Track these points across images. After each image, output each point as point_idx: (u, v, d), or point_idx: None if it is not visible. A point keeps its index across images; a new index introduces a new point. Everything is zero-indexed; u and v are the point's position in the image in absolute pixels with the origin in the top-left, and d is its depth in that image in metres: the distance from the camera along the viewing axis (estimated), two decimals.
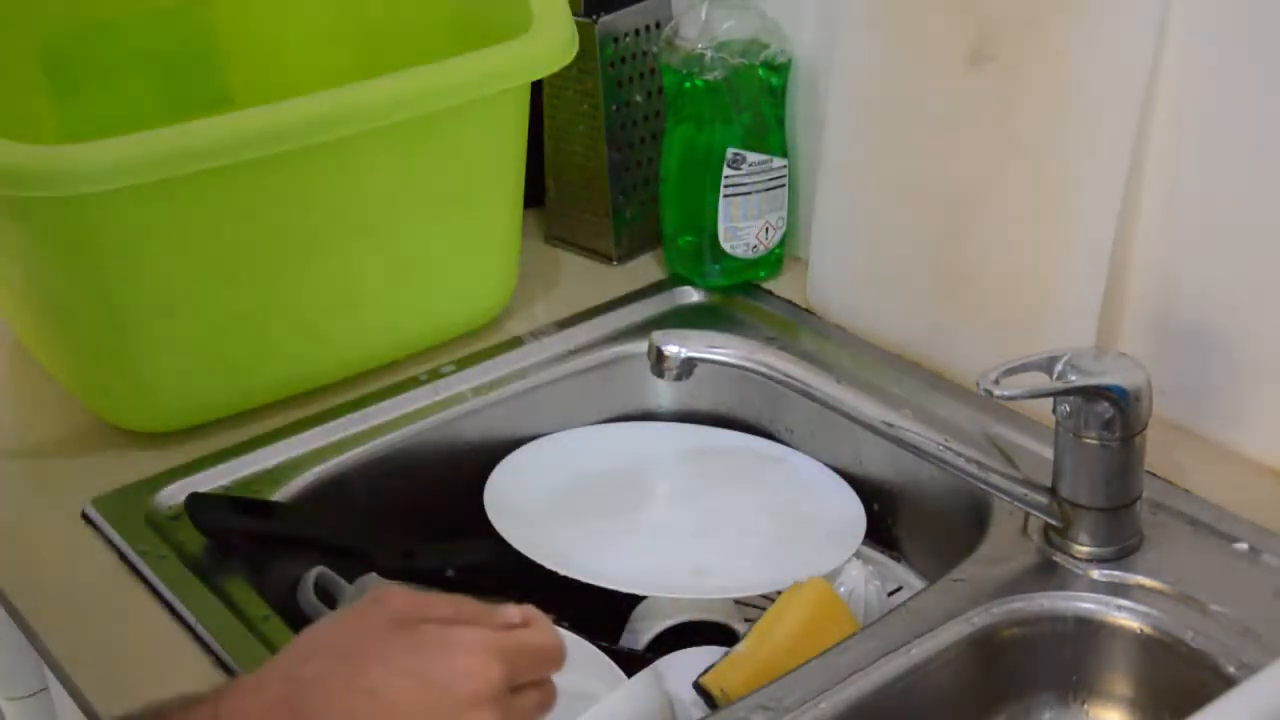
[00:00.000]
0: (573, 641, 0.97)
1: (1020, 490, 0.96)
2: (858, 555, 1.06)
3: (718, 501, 1.16)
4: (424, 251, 1.19)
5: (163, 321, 1.10)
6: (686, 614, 1.03)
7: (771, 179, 1.27)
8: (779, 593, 1.00)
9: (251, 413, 1.16)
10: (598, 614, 1.04)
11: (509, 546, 1.04)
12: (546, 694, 0.74)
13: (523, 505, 1.11)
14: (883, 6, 1.17)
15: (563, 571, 1.01)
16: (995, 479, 0.95)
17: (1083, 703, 0.96)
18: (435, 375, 1.20)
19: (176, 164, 1.03)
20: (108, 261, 1.07)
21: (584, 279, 1.34)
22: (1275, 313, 1.00)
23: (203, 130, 1.05)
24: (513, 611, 0.74)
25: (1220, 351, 1.03)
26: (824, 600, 0.97)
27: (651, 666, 0.96)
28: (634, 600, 1.05)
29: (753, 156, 1.25)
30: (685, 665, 0.97)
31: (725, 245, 1.27)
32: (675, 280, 1.32)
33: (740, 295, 1.29)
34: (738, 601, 1.09)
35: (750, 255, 1.29)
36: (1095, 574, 0.95)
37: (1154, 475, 1.00)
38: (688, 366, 0.93)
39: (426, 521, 1.13)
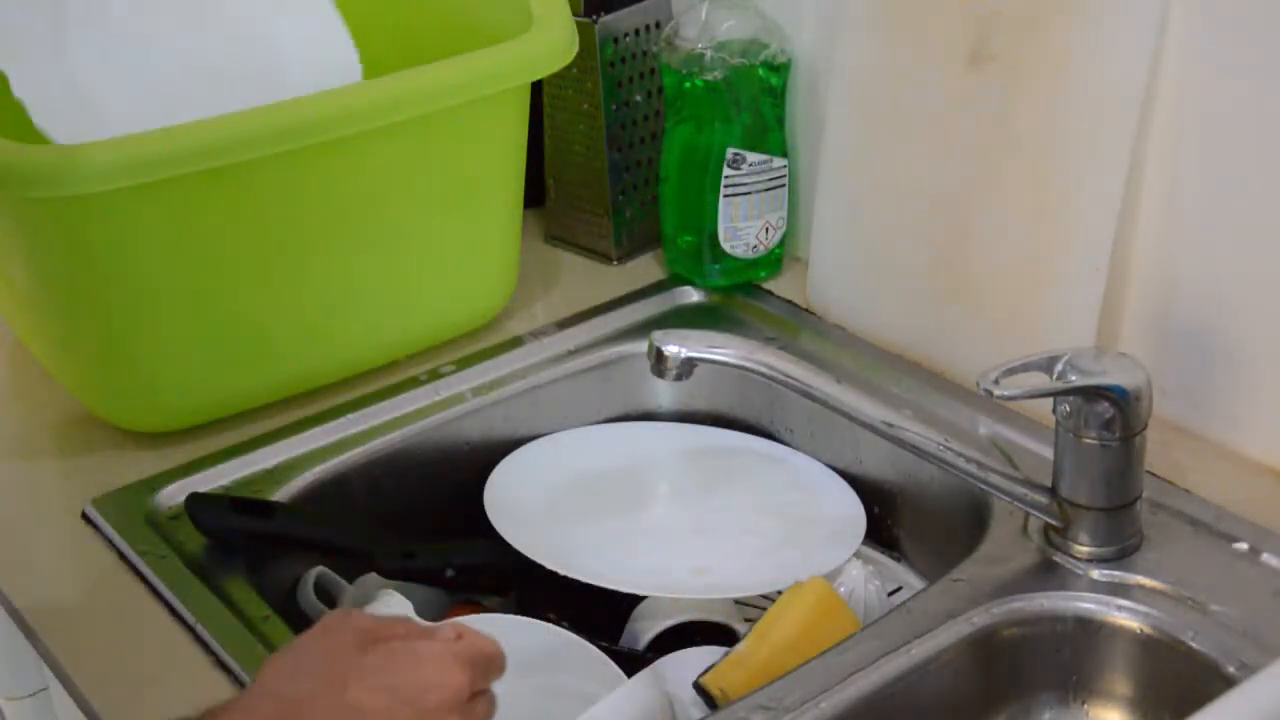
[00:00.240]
0: (573, 641, 0.97)
1: (1020, 490, 0.96)
2: (858, 555, 1.06)
3: (718, 501, 1.16)
4: (424, 251, 1.19)
5: (163, 321, 1.10)
6: (686, 614, 1.03)
7: (771, 179, 1.27)
8: (779, 593, 1.00)
9: (251, 413, 1.16)
10: (598, 614, 1.04)
11: (509, 546, 1.04)
12: (491, 699, 0.80)
13: (523, 505, 1.11)
14: (883, 6, 1.17)
15: (563, 571, 1.01)
16: (995, 479, 0.95)
17: (1083, 703, 0.96)
18: (435, 375, 1.20)
19: (176, 164, 1.03)
20: (108, 261, 1.07)
21: (584, 279, 1.34)
22: (1275, 313, 1.00)
23: (203, 130, 1.05)
24: (449, 628, 0.79)
25: (1220, 351, 1.03)
26: (824, 600, 0.97)
27: (651, 666, 0.95)
28: (634, 600, 1.05)
29: (753, 156, 1.25)
30: (685, 665, 0.97)
31: (725, 245, 1.27)
32: (675, 280, 1.32)
33: (740, 295, 1.29)
34: (738, 601, 1.09)
35: (750, 255, 1.29)
36: (1095, 574, 0.95)
37: (1154, 475, 1.00)
38: (688, 366, 0.93)
39: (426, 521, 1.13)
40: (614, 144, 1.33)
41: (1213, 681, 0.88)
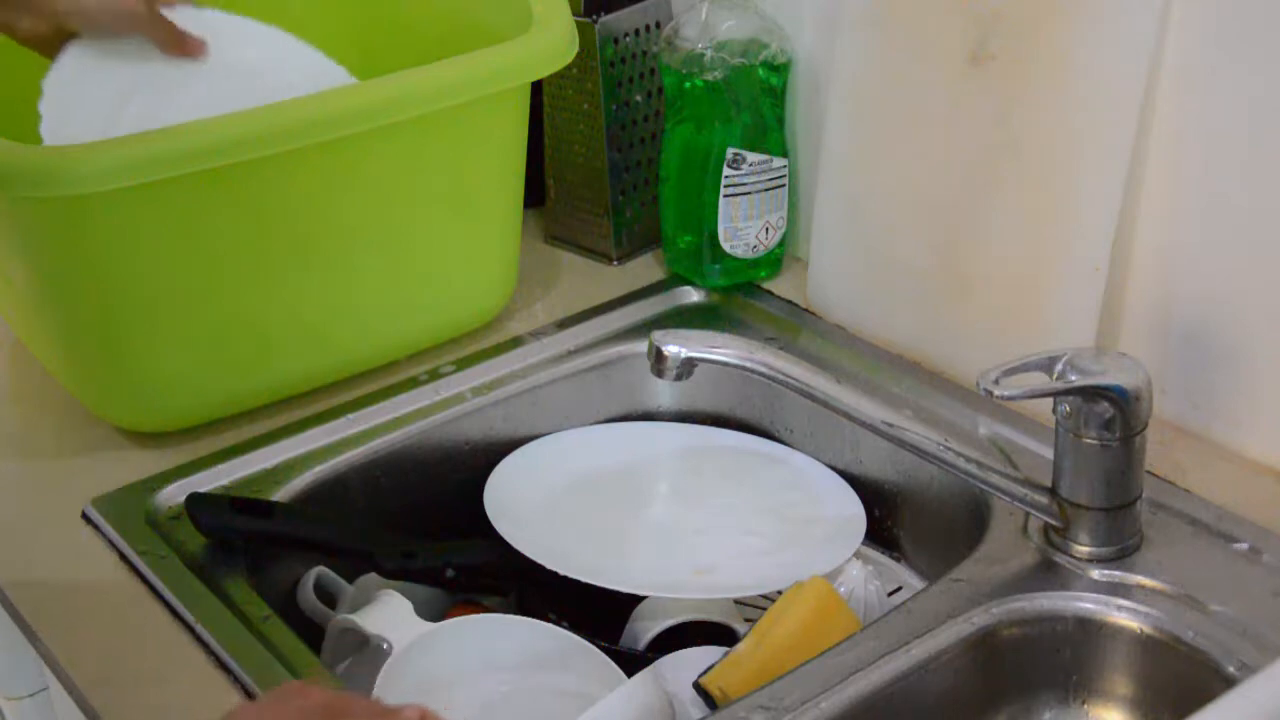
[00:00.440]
0: (573, 641, 0.97)
1: (1020, 490, 0.96)
2: (858, 555, 1.06)
3: (718, 501, 1.16)
4: (424, 251, 1.19)
5: (163, 321, 1.10)
6: (686, 614, 1.03)
7: (771, 179, 1.27)
8: (779, 593, 1.01)
9: (251, 413, 1.16)
10: (598, 614, 1.04)
11: (509, 546, 1.04)
12: None
13: (523, 505, 1.11)
14: (883, 6, 1.17)
15: (563, 571, 1.01)
16: (995, 479, 0.95)
17: (1083, 703, 0.96)
18: (435, 375, 1.20)
19: (175, 165, 1.03)
20: (108, 262, 1.07)
21: (584, 279, 1.34)
22: (1275, 313, 1.00)
23: (202, 131, 1.05)
24: (411, 710, 0.76)
25: (1220, 351, 1.03)
26: (824, 600, 0.97)
27: (651, 666, 0.96)
28: (634, 600, 1.05)
29: (753, 156, 1.25)
30: (685, 665, 0.97)
31: (725, 245, 1.27)
32: (675, 280, 1.32)
33: (740, 295, 1.29)
34: (738, 601, 1.09)
35: (750, 255, 1.29)
36: (1095, 574, 0.95)
37: (1154, 475, 1.01)
38: (688, 366, 0.93)
39: (426, 521, 1.13)
40: (614, 144, 1.33)
41: (1213, 681, 0.88)
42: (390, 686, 0.93)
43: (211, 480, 1.10)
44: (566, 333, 1.25)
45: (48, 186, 1.01)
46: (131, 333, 1.11)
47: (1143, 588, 0.94)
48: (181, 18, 1.11)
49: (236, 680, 0.92)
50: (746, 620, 1.05)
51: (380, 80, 1.12)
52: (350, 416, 1.16)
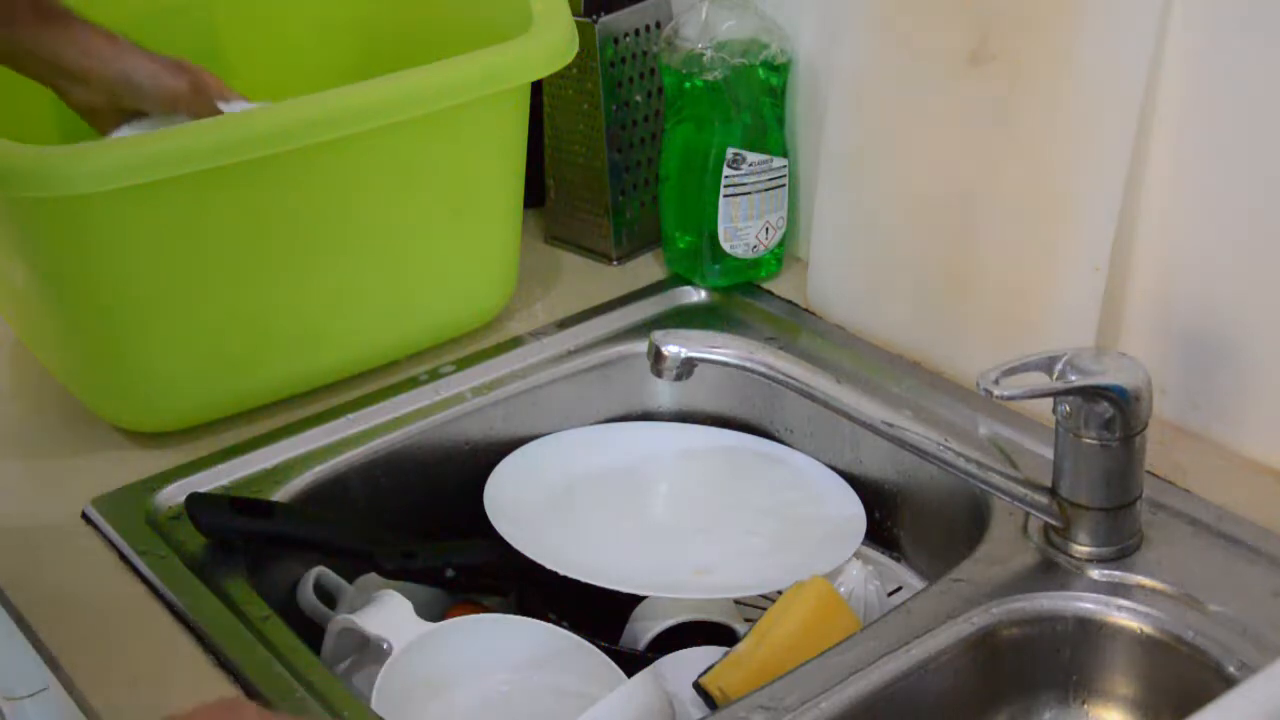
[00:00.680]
0: (573, 641, 0.97)
1: (1020, 490, 0.96)
2: (858, 555, 1.06)
3: (718, 501, 1.16)
4: (424, 251, 1.19)
5: (163, 321, 1.10)
6: (686, 614, 1.03)
7: (771, 179, 1.27)
8: (779, 593, 1.01)
9: (251, 413, 1.16)
10: (598, 614, 1.04)
11: (509, 546, 1.04)
12: None
13: (523, 505, 1.11)
14: (883, 6, 1.17)
15: (563, 572, 1.01)
16: (995, 479, 0.95)
17: (1083, 703, 0.96)
18: (435, 375, 1.20)
19: (174, 165, 1.03)
20: (108, 262, 1.07)
21: (584, 279, 1.34)
22: (1276, 313, 1.00)
23: (202, 131, 1.05)
24: None
25: (1220, 351, 1.03)
26: (824, 600, 0.97)
27: (651, 666, 0.96)
28: (634, 600, 1.05)
29: (753, 156, 1.25)
30: (685, 665, 0.97)
31: (725, 245, 1.27)
32: (675, 280, 1.32)
33: (740, 295, 1.29)
34: (738, 601, 1.09)
35: (750, 255, 1.29)
36: (1095, 574, 0.95)
37: (1154, 475, 1.00)
38: (688, 366, 0.93)
39: (426, 521, 1.13)
40: (614, 144, 1.33)
41: (1213, 681, 0.88)
42: (390, 686, 0.93)
43: (211, 480, 1.10)
44: (566, 333, 1.25)
45: (46, 187, 1.01)
46: (131, 333, 1.11)
47: (1143, 588, 0.94)
48: (229, 108, 1.14)
49: (237, 680, 0.92)
50: (746, 620, 1.05)
51: (380, 80, 1.12)
52: (350, 416, 1.16)
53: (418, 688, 0.96)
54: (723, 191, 1.25)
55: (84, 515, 1.07)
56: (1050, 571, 0.96)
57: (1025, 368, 0.92)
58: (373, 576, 1.06)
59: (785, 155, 1.27)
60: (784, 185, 1.28)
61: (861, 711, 0.88)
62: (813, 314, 1.26)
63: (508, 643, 0.99)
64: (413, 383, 1.19)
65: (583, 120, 1.33)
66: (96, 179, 1.01)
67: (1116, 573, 0.95)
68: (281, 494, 1.09)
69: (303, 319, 1.15)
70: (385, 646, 0.96)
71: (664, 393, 1.25)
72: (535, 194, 1.37)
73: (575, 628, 0.99)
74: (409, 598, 1.00)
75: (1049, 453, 0.96)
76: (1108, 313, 1.07)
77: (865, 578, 1.04)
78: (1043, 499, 0.96)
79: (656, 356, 0.94)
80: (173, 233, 1.07)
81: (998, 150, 1.10)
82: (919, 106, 1.15)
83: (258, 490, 1.09)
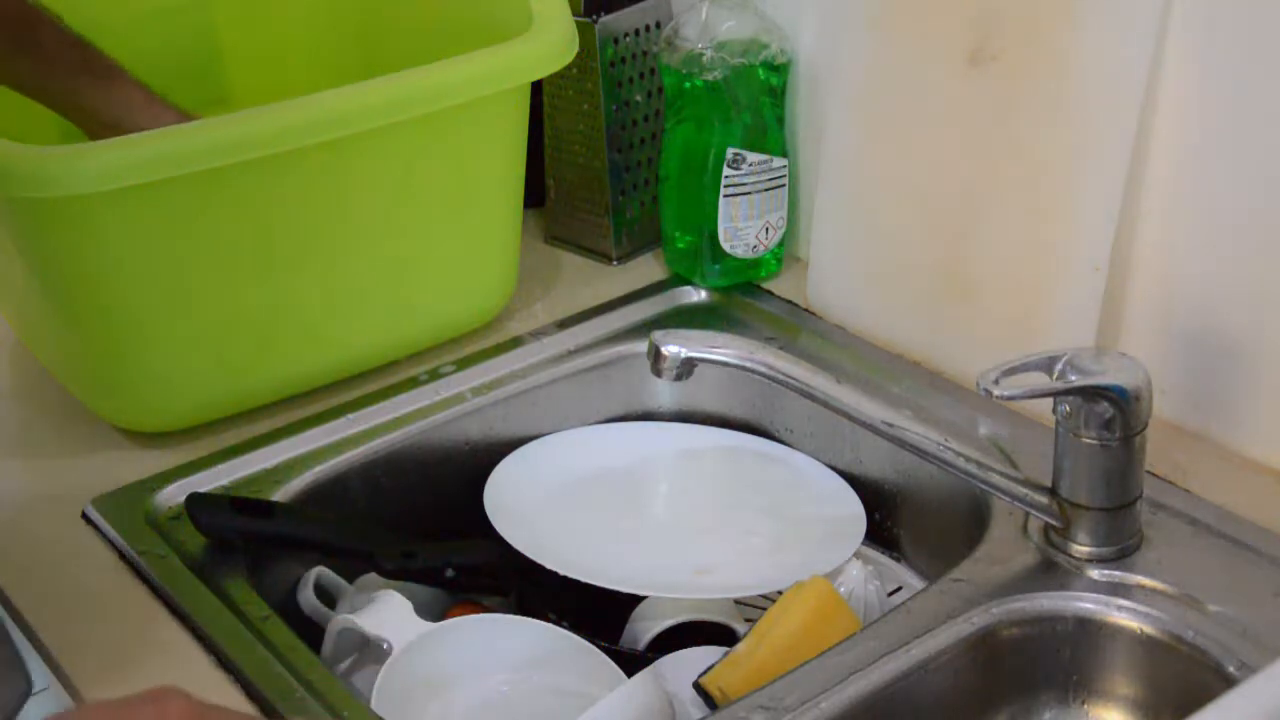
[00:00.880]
0: (573, 641, 0.97)
1: (1020, 490, 0.96)
2: (858, 555, 1.06)
3: (718, 501, 1.16)
4: (424, 251, 1.19)
5: (162, 321, 1.10)
6: (686, 614, 1.03)
7: (771, 179, 1.27)
8: (779, 593, 1.00)
9: (251, 413, 1.16)
10: (598, 614, 1.04)
11: (509, 546, 1.04)
12: None
13: (523, 505, 1.11)
14: (883, 6, 1.17)
15: (563, 572, 1.01)
16: (995, 479, 0.95)
17: (1083, 703, 0.96)
18: (435, 375, 1.20)
19: (174, 165, 1.03)
20: (108, 262, 1.07)
21: (584, 279, 1.34)
22: (1276, 313, 1.00)
23: (201, 132, 1.05)
24: None
25: (1220, 351, 1.03)
26: (824, 600, 0.97)
27: (651, 666, 0.96)
28: (634, 600, 1.05)
29: (753, 156, 1.25)
30: (685, 665, 0.97)
31: (725, 245, 1.27)
32: (675, 280, 1.32)
33: (740, 295, 1.29)
34: (738, 601, 1.09)
35: (750, 255, 1.29)
36: (1095, 574, 0.95)
37: (1154, 475, 1.00)
38: (688, 366, 0.93)
39: (426, 521, 1.13)
40: (614, 144, 1.33)
41: (1213, 681, 0.88)
42: (390, 686, 0.93)
43: (211, 480, 1.10)
44: (566, 333, 1.25)
45: (46, 187, 1.01)
46: (131, 333, 1.11)
47: (1143, 588, 0.94)
48: None
49: (237, 680, 0.92)
50: (746, 620, 1.05)
51: (380, 80, 1.12)
52: (350, 416, 1.16)
53: (418, 688, 0.96)
54: (723, 191, 1.25)
55: (84, 515, 1.07)
56: (1050, 571, 0.96)
57: (1025, 368, 0.92)
58: (373, 576, 1.06)
59: (785, 155, 1.27)
60: (784, 185, 1.28)
61: (861, 711, 0.88)
62: (813, 314, 1.26)
63: (508, 643, 0.99)
64: (413, 383, 1.19)
65: (583, 120, 1.33)
66: (95, 179, 1.01)
67: (1116, 573, 0.95)
68: (281, 494, 1.09)
69: (303, 319, 1.15)
70: (385, 646, 0.96)
71: (664, 393, 1.25)
72: (535, 194, 1.37)
73: (575, 628, 0.99)
74: (409, 598, 1.00)
75: (1049, 453, 0.96)
76: (1108, 313, 1.07)
77: (865, 578, 1.04)
78: (1043, 499, 0.96)
79: (656, 356, 0.93)
80: (172, 233, 1.07)
81: (998, 150, 1.10)
82: (919, 106, 1.15)
83: (258, 490, 1.09)
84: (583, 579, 1.01)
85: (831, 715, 0.87)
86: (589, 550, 1.07)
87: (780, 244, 1.30)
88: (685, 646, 0.99)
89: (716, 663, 0.95)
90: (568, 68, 1.19)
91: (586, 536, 1.10)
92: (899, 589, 1.13)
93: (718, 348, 0.94)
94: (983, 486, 0.96)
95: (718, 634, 1.03)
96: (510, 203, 1.24)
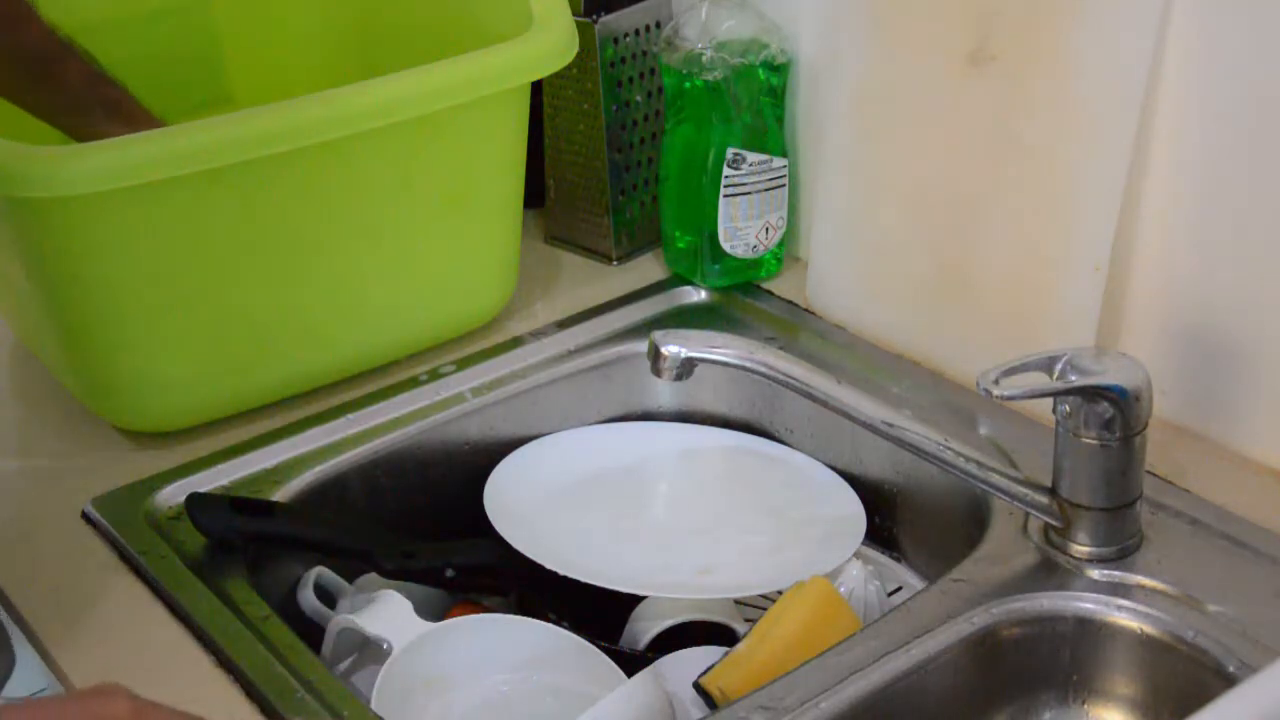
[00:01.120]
0: (573, 641, 0.97)
1: (1020, 490, 0.96)
2: (858, 555, 1.06)
3: (718, 501, 1.16)
4: (424, 251, 1.19)
5: (162, 321, 1.10)
6: (686, 614, 1.03)
7: (771, 179, 1.27)
8: (779, 593, 1.00)
9: (251, 413, 1.16)
10: (598, 614, 1.04)
11: (509, 546, 1.04)
12: None
13: (523, 505, 1.11)
14: (883, 6, 1.17)
15: (563, 572, 1.01)
16: (995, 479, 0.95)
17: (1083, 703, 0.96)
18: (435, 375, 1.20)
19: (172, 165, 1.03)
20: (107, 262, 1.07)
21: (584, 279, 1.34)
22: (1276, 313, 1.00)
23: (200, 131, 1.05)
24: None
25: (1220, 351, 1.03)
26: (825, 600, 0.97)
27: (651, 666, 0.96)
28: (634, 600, 1.05)
29: (753, 156, 1.25)
30: (685, 665, 0.97)
31: (725, 245, 1.27)
32: (675, 280, 1.32)
33: (740, 295, 1.29)
34: (738, 601, 1.09)
35: (750, 255, 1.29)
36: (1095, 574, 0.95)
37: (1154, 475, 1.00)
38: (688, 366, 0.93)
39: (426, 521, 1.13)
40: (614, 144, 1.33)
41: (1213, 681, 0.88)
42: (390, 686, 0.93)
43: (211, 480, 1.10)
44: (566, 333, 1.25)
45: (44, 187, 1.01)
46: (131, 333, 1.11)
47: (1143, 588, 0.94)
48: None
49: (237, 680, 0.92)
50: (746, 620, 1.05)
51: (380, 80, 1.12)
52: (350, 416, 1.16)
53: (418, 688, 0.96)
54: (723, 191, 1.25)
55: (84, 515, 1.07)
56: (1050, 571, 0.96)
57: (1025, 368, 0.92)
58: (373, 576, 1.06)
59: (785, 155, 1.27)
60: (784, 185, 1.28)
61: (861, 711, 0.88)
62: (813, 314, 1.26)
63: (508, 643, 0.99)
64: (413, 383, 1.19)
65: (583, 120, 1.33)
66: (95, 179, 1.01)
67: (1116, 573, 0.95)
68: (281, 494, 1.09)
69: (302, 319, 1.15)
70: (385, 646, 0.96)
71: (664, 393, 1.25)
72: (535, 194, 1.37)
73: (575, 628, 0.99)
74: (409, 598, 1.00)
75: (1049, 453, 0.96)
76: (1108, 313, 1.07)
77: (865, 578, 1.04)
78: (1043, 499, 0.96)
79: (656, 356, 0.94)
80: (171, 233, 1.07)
81: (998, 150, 1.10)
82: (919, 106, 1.15)
83: (258, 490, 1.09)
84: (583, 579, 1.01)
85: (831, 715, 0.87)
86: (589, 550, 1.07)
87: (780, 244, 1.30)
88: (685, 646, 0.99)
89: (716, 663, 0.95)
90: (568, 68, 1.19)
91: (586, 536, 1.10)
92: (899, 589, 1.13)
93: (718, 348, 0.94)
94: (983, 486, 0.96)
95: (718, 634, 1.03)
96: (510, 203, 1.24)
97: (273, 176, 1.08)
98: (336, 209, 1.13)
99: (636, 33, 1.32)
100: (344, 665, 1.03)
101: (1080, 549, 0.96)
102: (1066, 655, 0.95)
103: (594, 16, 1.29)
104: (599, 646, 0.98)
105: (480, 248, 1.23)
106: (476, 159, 1.19)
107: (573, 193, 1.37)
